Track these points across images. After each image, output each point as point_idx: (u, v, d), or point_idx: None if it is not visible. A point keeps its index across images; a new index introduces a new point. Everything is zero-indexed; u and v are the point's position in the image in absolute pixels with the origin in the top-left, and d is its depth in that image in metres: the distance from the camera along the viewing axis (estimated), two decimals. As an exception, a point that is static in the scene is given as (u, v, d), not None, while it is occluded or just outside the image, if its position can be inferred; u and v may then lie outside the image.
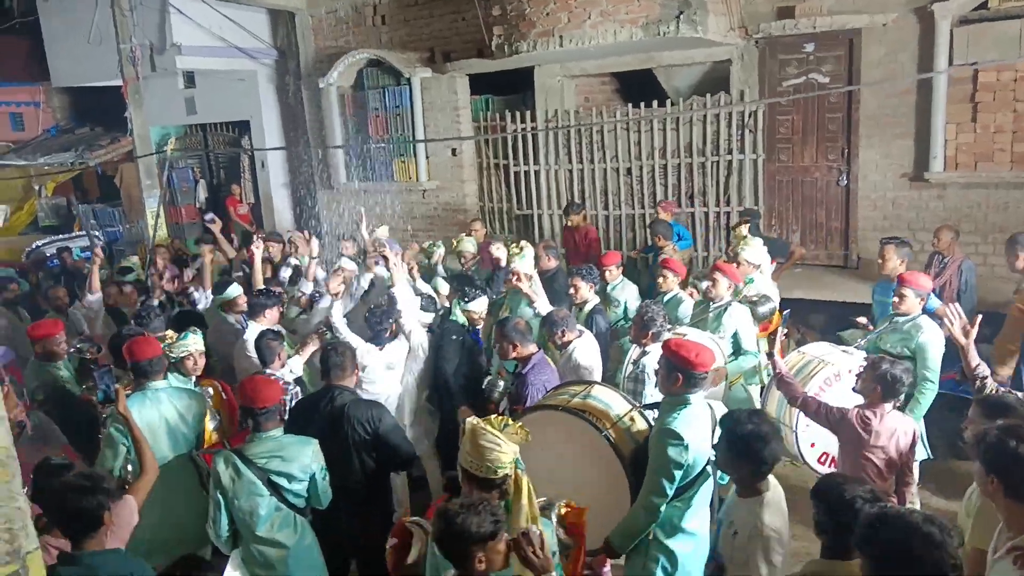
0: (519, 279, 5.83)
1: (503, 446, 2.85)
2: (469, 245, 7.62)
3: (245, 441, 3.82)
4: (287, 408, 4.42)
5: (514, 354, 4.62)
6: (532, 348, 4.64)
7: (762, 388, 5.48)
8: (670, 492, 3.42)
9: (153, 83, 11.42)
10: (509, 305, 6.04)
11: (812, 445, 4.85)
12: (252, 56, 11.87)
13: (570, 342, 4.95)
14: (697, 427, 3.46)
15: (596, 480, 3.72)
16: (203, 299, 6.99)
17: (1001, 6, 7.29)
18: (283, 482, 3.68)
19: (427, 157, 10.63)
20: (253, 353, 5.04)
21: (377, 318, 5.23)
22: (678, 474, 3.40)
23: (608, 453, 3.68)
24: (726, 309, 5.46)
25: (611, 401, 3.99)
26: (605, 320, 5.73)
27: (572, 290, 5.79)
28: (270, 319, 5.55)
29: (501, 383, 4.84)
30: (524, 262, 5.94)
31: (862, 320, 5.62)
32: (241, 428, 4.51)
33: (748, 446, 3.11)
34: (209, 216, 9.33)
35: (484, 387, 4.92)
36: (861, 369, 4.08)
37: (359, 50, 10.83)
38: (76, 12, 11.33)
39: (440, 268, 7.55)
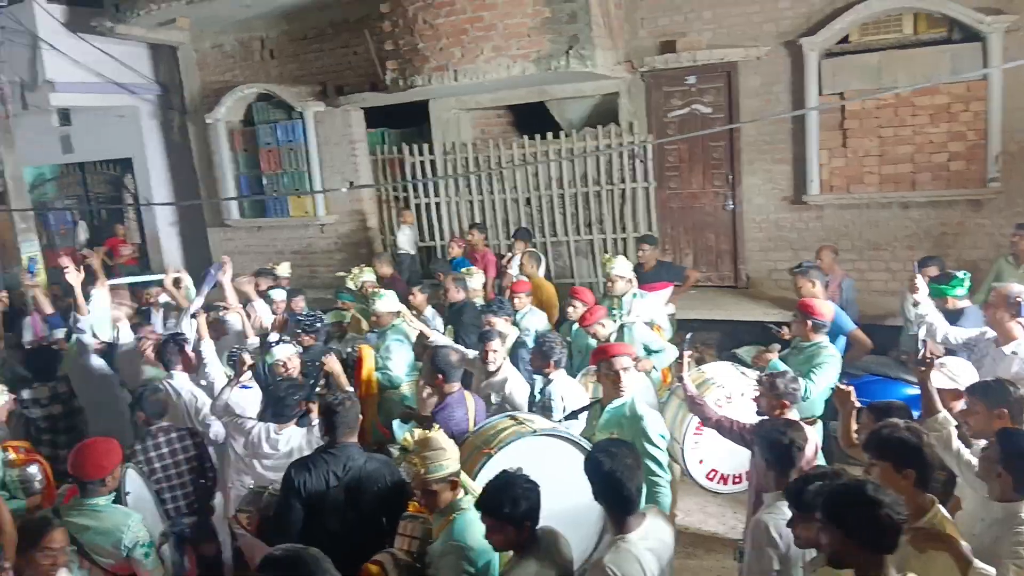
0: (381, 321, 5.96)
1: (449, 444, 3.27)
2: (369, 275, 7.59)
3: (69, 502, 3.68)
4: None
5: (434, 389, 4.56)
6: (456, 386, 4.56)
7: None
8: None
9: (25, 121, 10.85)
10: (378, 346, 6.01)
11: (700, 462, 4.96)
12: (133, 91, 11.43)
13: (499, 369, 4.95)
14: None
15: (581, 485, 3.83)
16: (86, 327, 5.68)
17: (861, 39, 7.91)
18: (95, 556, 3.51)
19: (323, 191, 10.48)
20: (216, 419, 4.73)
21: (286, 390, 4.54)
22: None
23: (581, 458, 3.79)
24: (629, 329, 5.67)
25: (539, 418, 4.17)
26: (528, 354, 5.61)
27: (488, 326, 5.68)
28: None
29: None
30: (384, 302, 5.96)
31: (775, 347, 5.47)
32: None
33: (608, 479, 2.97)
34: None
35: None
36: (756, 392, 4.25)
37: (248, 84, 10.62)
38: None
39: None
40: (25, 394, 5.50)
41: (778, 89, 8.20)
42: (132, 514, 3.64)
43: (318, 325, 5.92)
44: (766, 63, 8.18)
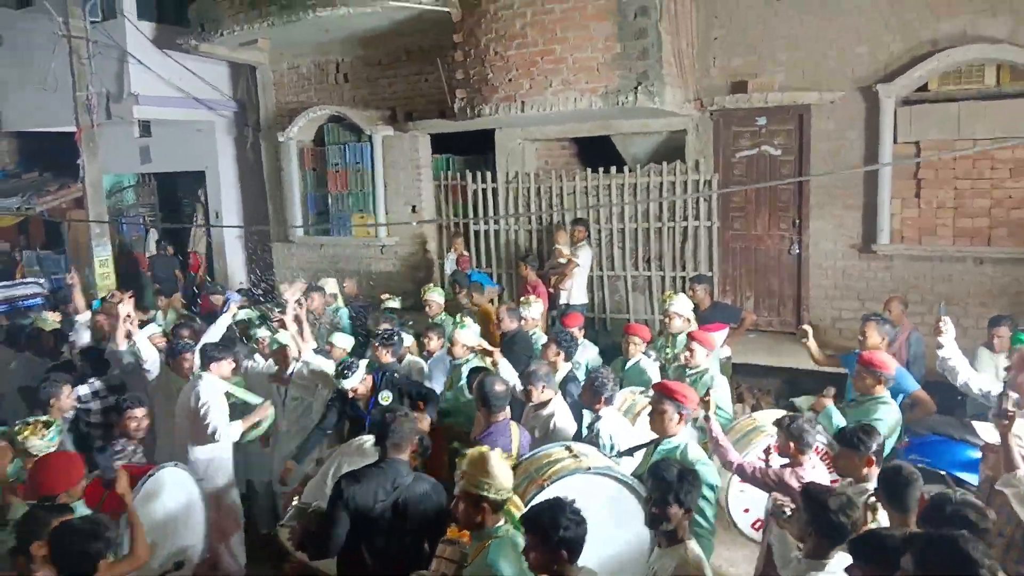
0: (462, 351, 5.82)
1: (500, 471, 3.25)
2: (436, 295, 7.54)
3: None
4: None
5: (481, 419, 4.58)
6: (501, 416, 4.55)
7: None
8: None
9: (107, 131, 11.24)
10: (452, 378, 5.95)
11: (746, 511, 4.82)
12: (211, 107, 11.83)
13: (548, 402, 4.88)
14: None
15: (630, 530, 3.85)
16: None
17: (940, 88, 7.70)
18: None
19: (387, 213, 10.63)
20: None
21: None
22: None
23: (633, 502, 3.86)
24: (702, 376, 5.54)
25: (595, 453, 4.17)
26: (578, 388, 5.44)
27: (552, 355, 5.60)
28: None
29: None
30: (466, 334, 5.87)
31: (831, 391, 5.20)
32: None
33: (666, 494, 3.15)
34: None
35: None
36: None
37: (321, 106, 10.88)
38: (30, 58, 11.18)
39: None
40: (83, 390, 5.67)
41: (851, 135, 8.03)
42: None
43: (396, 339, 5.78)
44: (840, 107, 8.02)
